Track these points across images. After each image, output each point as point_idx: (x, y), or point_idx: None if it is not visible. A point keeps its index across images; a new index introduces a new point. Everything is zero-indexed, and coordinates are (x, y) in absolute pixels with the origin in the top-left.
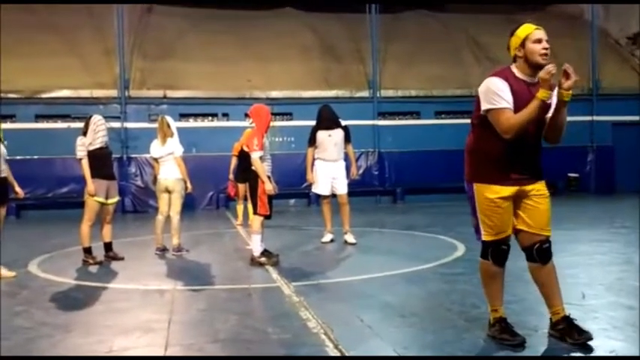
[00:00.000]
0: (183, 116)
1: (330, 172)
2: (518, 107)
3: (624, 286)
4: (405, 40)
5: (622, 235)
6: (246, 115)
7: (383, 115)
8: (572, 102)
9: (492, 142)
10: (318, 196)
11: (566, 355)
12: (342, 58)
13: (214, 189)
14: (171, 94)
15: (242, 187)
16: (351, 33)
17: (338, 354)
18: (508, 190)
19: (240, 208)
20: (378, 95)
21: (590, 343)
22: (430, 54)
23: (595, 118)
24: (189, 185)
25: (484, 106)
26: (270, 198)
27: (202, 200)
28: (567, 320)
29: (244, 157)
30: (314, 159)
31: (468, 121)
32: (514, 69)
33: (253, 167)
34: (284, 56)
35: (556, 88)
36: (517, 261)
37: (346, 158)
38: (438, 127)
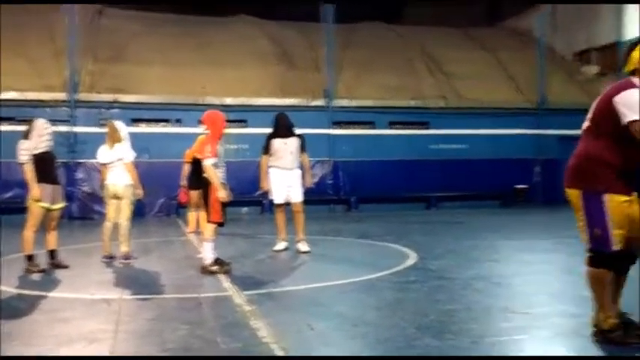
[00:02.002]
0: (135, 121)
1: (285, 180)
2: None
3: (569, 294)
4: (361, 50)
5: (567, 245)
6: (200, 122)
7: (338, 124)
8: (520, 116)
9: (623, 152)
10: (272, 204)
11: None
12: (298, 67)
13: (166, 196)
14: (122, 98)
15: (195, 194)
16: (307, 41)
17: None
18: (629, 199)
19: (192, 215)
20: (333, 104)
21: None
22: (385, 65)
23: (541, 131)
24: (139, 191)
25: (629, 117)
26: (224, 205)
27: (153, 207)
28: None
29: (197, 164)
30: (269, 167)
31: (421, 131)
32: (637, 82)
33: (206, 174)
34: (240, 63)
35: None
36: (466, 271)
37: (301, 167)
38: (392, 137)
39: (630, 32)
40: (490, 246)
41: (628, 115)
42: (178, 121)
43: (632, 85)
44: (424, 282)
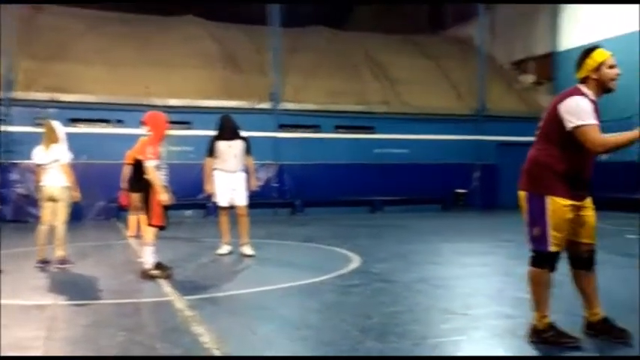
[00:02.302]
0: (74, 121)
1: (229, 183)
2: None
3: (506, 296)
4: (307, 54)
5: (504, 248)
6: (142, 123)
7: (284, 127)
8: (461, 122)
9: (568, 158)
10: (217, 207)
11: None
12: (244, 69)
13: (105, 198)
14: (61, 97)
15: (135, 197)
16: (253, 44)
17: None
18: (575, 204)
19: (132, 218)
20: (279, 107)
21: (473, 351)
22: (330, 69)
23: (481, 137)
24: (76, 194)
25: (573, 123)
26: (165, 208)
27: (92, 210)
28: (607, 320)
29: (138, 166)
30: (213, 169)
31: (366, 136)
32: (585, 89)
33: (148, 176)
34: (185, 64)
35: None
36: (408, 273)
37: (246, 170)
38: (338, 142)
39: (565, 43)
40: (431, 249)
41: (572, 121)
42: (119, 122)
43: (578, 93)
44: (367, 285)
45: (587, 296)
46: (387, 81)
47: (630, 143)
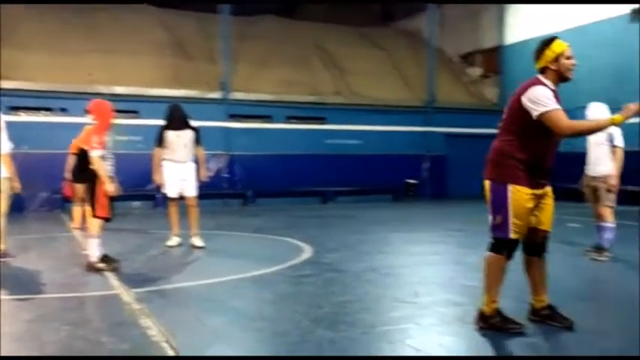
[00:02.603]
0: (14, 109)
1: (178, 173)
2: None
3: (454, 284)
4: (257, 44)
5: (454, 237)
6: (87, 111)
7: (234, 117)
8: (411, 114)
9: (530, 148)
10: (166, 198)
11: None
12: (193, 57)
13: (48, 189)
14: (0, 84)
15: (80, 188)
16: (203, 32)
17: None
18: (536, 193)
19: (77, 210)
20: (229, 97)
21: (422, 338)
22: (282, 59)
23: (430, 128)
24: (16, 184)
25: (538, 111)
26: (111, 199)
27: (34, 201)
28: (551, 308)
29: (83, 156)
30: (162, 160)
31: (317, 126)
32: (544, 79)
33: (93, 166)
34: (132, 51)
35: (594, 106)
36: (359, 263)
37: (196, 160)
38: (289, 132)
39: (511, 37)
40: (382, 239)
41: (537, 109)
42: (63, 110)
43: (539, 82)
44: (319, 275)
45: (536, 283)
46: (339, 72)
47: (599, 129)
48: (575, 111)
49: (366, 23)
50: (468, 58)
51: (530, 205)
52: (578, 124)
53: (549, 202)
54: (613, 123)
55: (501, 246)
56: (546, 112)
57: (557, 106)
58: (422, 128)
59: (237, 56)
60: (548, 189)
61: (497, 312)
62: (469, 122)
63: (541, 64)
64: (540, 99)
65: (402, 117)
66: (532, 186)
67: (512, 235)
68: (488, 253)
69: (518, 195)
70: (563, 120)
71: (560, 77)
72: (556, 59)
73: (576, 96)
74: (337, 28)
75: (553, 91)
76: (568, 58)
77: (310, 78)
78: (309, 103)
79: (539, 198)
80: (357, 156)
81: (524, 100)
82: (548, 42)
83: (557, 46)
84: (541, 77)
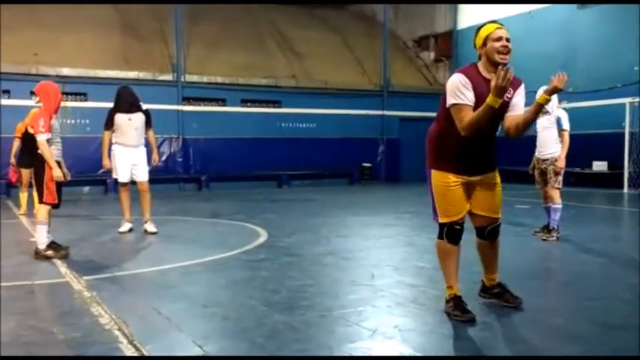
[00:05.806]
0: None
1: (129, 158)
2: (478, 104)
3: (408, 266)
4: (210, 25)
5: (406, 219)
6: (32, 93)
7: (187, 100)
8: (366, 97)
9: (451, 135)
10: (117, 183)
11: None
12: (143, 38)
13: None
14: None
15: (26, 173)
16: (154, 11)
17: (133, 350)
18: (457, 179)
19: (23, 196)
20: (182, 79)
21: (377, 320)
22: (236, 41)
23: (385, 112)
24: None
25: (449, 101)
26: (59, 185)
27: None
28: (501, 286)
29: (29, 140)
30: (111, 143)
31: (273, 110)
32: (479, 66)
33: (39, 151)
34: (78, 30)
35: (541, 90)
36: (315, 247)
37: (147, 144)
38: (244, 115)
39: (464, 21)
40: (338, 222)
41: (449, 99)
42: (6, 92)
43: (465, 71)
44: (275, 259)
45: (488, 262)
46: (294, 55)
47: (485, 115)
48: (528, 95)
49: (320, 5)
50: (421, 42)
51: (458, 190)
52: (468, 121)
53: (493, 189)
54: (540, 103)
55: (440, 230)
56: (452, 105)
57: (465, 101)
58: (377, 112)
59: (190, 37)
60: (491, 175)
61: (452, 298)
62: (422, 106)
63: (477, 51)
64: (451, 89)
65: (357, 101)
66: (459, 172)
67: (441, 219)
68: (436, 239)
69: (438, 180)
70: (461, 119)
71: (490, 62)
72: (484, 43)
73: (526, 80)
74: (291, 9)
75: (484, 79)
76: (497, 40)
77: (265, 61)
78: (264, 86)
79: (473, 185)
80: (312, 140)
81: (445, 89)
82: (479, 27)
83: (485, 30)
84: (478, 64)
